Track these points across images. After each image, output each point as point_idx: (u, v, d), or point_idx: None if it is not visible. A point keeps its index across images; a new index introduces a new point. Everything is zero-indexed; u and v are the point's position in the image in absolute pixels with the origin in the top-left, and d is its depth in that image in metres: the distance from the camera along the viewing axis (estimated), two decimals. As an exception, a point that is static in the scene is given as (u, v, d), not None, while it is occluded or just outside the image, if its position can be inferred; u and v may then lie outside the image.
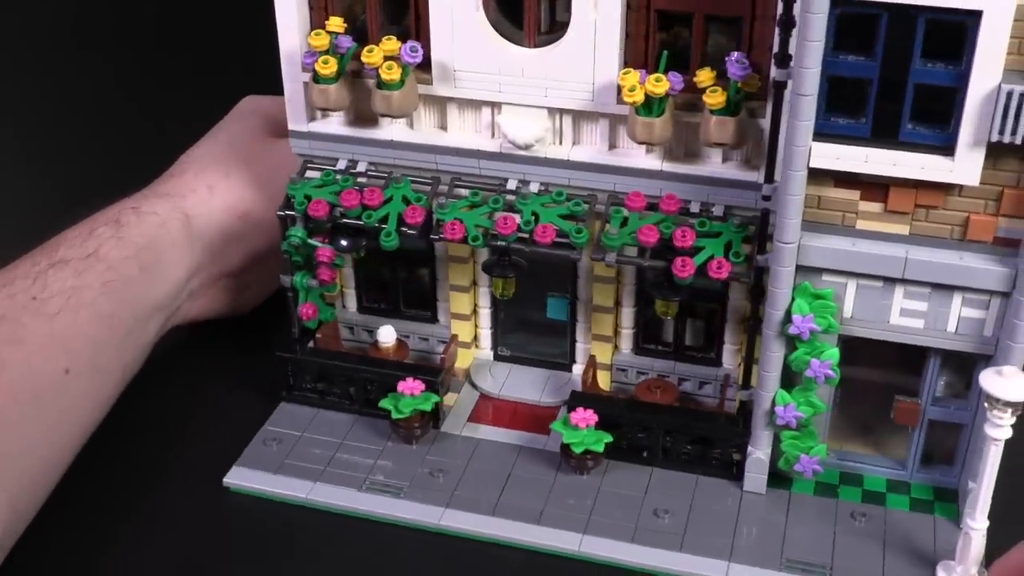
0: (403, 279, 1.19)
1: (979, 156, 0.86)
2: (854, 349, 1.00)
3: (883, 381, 1.04)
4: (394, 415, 1.08)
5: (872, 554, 0.98)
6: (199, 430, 1.14)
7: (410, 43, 1.01)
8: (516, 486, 1.06)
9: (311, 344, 1.17)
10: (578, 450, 1.04)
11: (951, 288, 0.94)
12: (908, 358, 1.01)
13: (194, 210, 1.16)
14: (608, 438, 1.05)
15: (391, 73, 1.00)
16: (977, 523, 0.92)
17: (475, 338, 1.19)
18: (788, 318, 0.96)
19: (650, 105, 0.96)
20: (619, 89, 0.99)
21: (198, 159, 1.22)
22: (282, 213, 1.08)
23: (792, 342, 0.98)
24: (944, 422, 1.02)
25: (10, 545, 0.93)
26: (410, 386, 1.08)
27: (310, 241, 1.07)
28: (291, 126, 1.10)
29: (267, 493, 1.06)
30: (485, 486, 1.05)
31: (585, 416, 1.04)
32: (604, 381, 1.15)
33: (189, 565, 1.00)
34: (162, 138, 1.27)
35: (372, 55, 1.00)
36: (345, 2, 1.06)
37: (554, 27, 1.03)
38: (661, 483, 1.06)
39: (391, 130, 1.08)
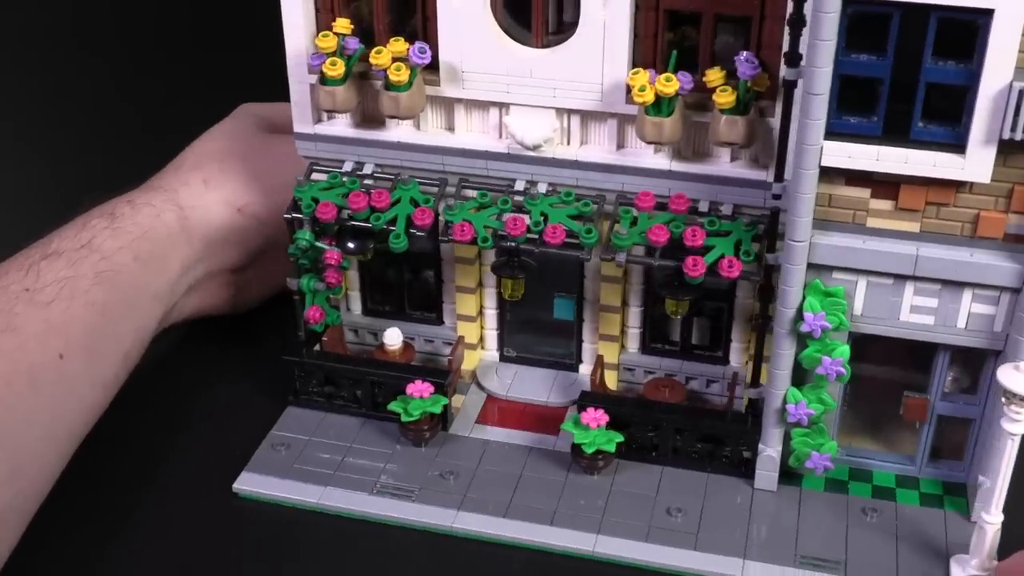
0: (408, 281, 1.19)
1: (990, 153, 0.87)
2: (862, 346, 1.00)
3: (891, 377, 1.04)
4: (404, 418, 1.08)
5: (885, 549, 0.99)
6: (205, 433, 1.14)
7: (418, 44, 1.00)
8: (527, 487, 1.06)
9: (317, 347, 1.16)
10: (589, 450, 1.04)
11: (961, 285, 0.94)
12: (916, 354, 1.02)
13: (189, 202, 1.16)
14: (619, 438, 1.05)
15: (399, 75, 1.00)
16: (992, 517, 0.93)
17: (481, 339, 1.19)
18: (799, 316, 0.96)
19: (660, 105, 0.97)
20: (628, 89, 0.99)
21: (194, 154, 1.23)
22: (289, 216, 1.08)
23: (803, 340, 0.98)
24: (952, 417, 1.03)
25: (18, 526, 0.93)
26: (419, 388, 1.08)
27: (317, 244, 1.07)
28: (296, 128, 1.09)
29: (277, 498, 1.05)
30: (496, 488, 1.05)
31: (596, 416, 1.05)
32: (611, 380, 1.15)
33: (199, 571, 0.99)
34: (162, 138, 1.27)
35: (380, 56, 1.00)
36: (351, 4, 1.05)
37: (562, 28, 1.03)
38: (672, 482, 1.06)
39: (398, 131, 1.07)
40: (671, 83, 0.95)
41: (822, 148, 0.89)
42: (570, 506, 1.03)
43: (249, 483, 1.06)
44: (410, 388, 1.08)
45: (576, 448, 1.06)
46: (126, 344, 1.07)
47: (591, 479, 1.06)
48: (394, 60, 1.00)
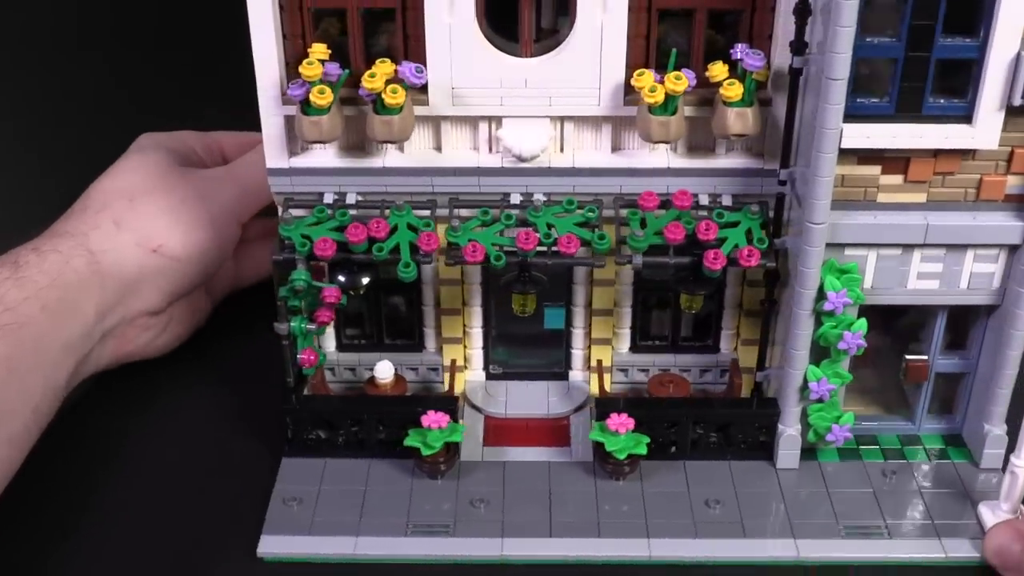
0: (384, 310, 1.14)
1: (998, 121, 0.92)
2: (860, 315, 1.04)
3: (885, 343, 1.09)
4: (424, 451, 1.04)
5: (915, 505, 1.03)
6: (199, 498, 1.05)
7: (411, 65, 0.97)
8: (561, 502, 1.04)
9: (305, 391, 1.10)
10: (622, 456, 1.04)
11: (964, 247, 0.99)
12: (912, 318, 1.07)
13: (100, 246, 1.10)
14: (647, 439, 1.05)
15: (396, 97, 0.96)
16: (1022, 461, 0.98)
17: (466, 360, 1.16)
18: (820, 296, 0.99)
19: (666, 104, 0.97)
20: (626, 91, 0.99)
21: (100, 193, 1.15)
22: (279, 258, 1.01)
23: (817, 318, 1.01)
24: (945, 373, 1.09)
25: None
26: (435, 419, 1.04)
27: (315, 283, 1.01)
28: (270, 164, 1.03)
29: (308, 556, 0.99)
30: (531, 508, 1.03)
31: (622, 421, 1.04)
32: (605, 383, 1.14)
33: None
34: None
35: (375, 80, 0.96)
36: (319, 27, 1.00)
37: (541, 35, 1.02)
38: (697, 475, 1.07)
39: (382, 156, 1.03)
40: (680, 81, 0.95)
41: (842, 131, 0.92)
42: (610, 514, 1.02)
43: (273, 546, 1.00)
44: (425, 420, 1.04)
45: (603, 455, 1.05)
46: (35, 398, 1.00)
47: (619, 484, 1.06)
48: (388, 83, 0.96)
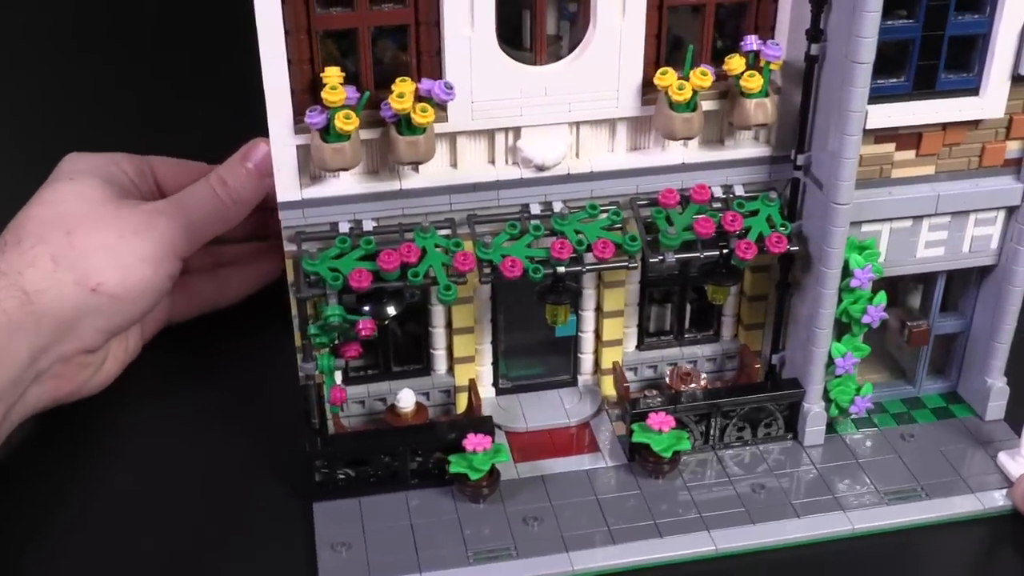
0: (390, 337, 1.10)
1: (1004, 91, 0.97)
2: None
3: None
4: (472, 476, 1.01)
5: (940, 463, 1.08)
6: (235, 555, 0.99)
7: (440, 81, 0.94)
8: (613, 509, 1.03)
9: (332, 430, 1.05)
10: (667, 454, 1.04)
11: (967, 212, 1.04)
12: (908, 286, 1.12)
13: (36, 286, 1.04)
14: (686, 435, 1.05)
15: (426, 116, 0.93)
16: (1044, 410, 1.04)
17: (476, 377, 1.14)
18: (846, 273, 1.02)
19: (689, 100, 0.97)
20: (643, 91, 0.99)
21: (34, 227, 1.08)
22: (305, 295, 0.96)
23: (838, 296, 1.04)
24: (940, 335, 1.14)
25: None
26: (479, 442, 1.02)
27: (350, 317, 0.97)
28: (282, 197, 0.98)
29: (375, 601, 0.95)
30: (585, 518, 1.02)
31: (664, 419, 1.04)
32: (609, 385, 1.14)
33: None
34: (162, 138, 1.21)
35: (404, 100, 0.92)
36: (323, 51, 0.96)
37: (548, 42, 1.00)
38: (731, 463, 1.08)
39: (400, 179, 0.99)
40: (706, 77, 0.96)
41: (867, 113, 0.95)
42: (665, 513, 1.03)
43: (337, 596, 0.95)
44: (468, 444, 1.02)
45: (642, 455, 1.05)
46: None
47: (660, 483, 1.06)
48: (417, 101, 0.93)
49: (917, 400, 1.16)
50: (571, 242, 0.99)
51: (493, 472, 1.03)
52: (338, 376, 1.10)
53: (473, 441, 1.02)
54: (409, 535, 1.00)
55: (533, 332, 1.12)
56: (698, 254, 1.02)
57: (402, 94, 0.92)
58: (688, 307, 1.15)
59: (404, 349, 1.11)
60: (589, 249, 0.99)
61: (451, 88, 0.94)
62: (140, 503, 1.04)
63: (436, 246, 0.98)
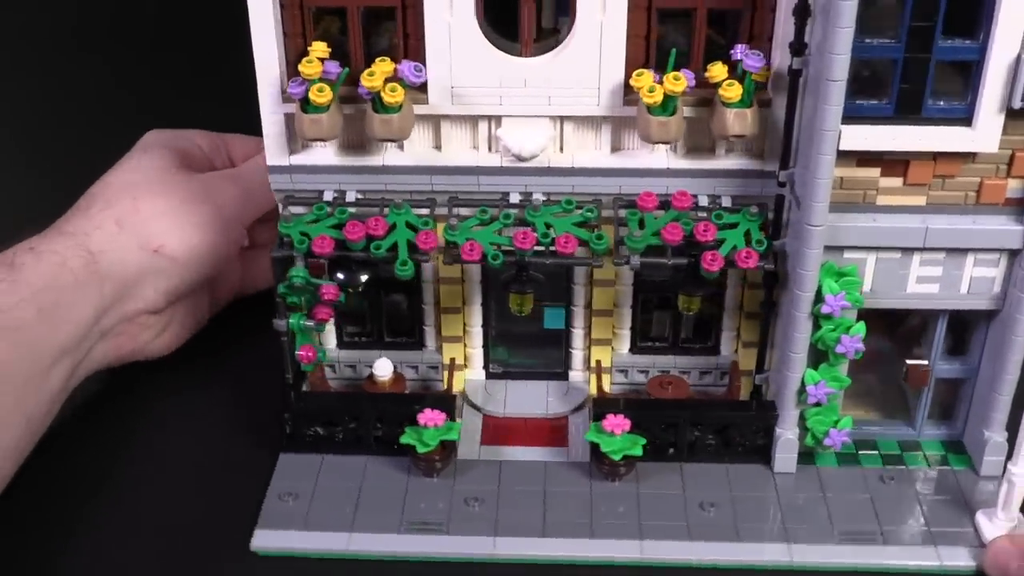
0: (385, 308, 1.14)
1: (999, 123, 0.91)
2: (864, 319, 1.03)
3: (884, 348, 1.08)
4: (420, 449, 1.04)
5: (912, 512, 1.02)
6: (194, 494, 1.06)
7: (411, 63, 0.97)
8: (556, 502, 1.04)
9: (305, 388, 1.10)
10: (617, 457, 1.03)
11: (964, 251, 0.99)
12: (911, 322, 1.06)
13: (101, 246, 1.10)
14: (643, 441, 1.04)
15: (395, 95, 0.96)
16: (1020, 469, 0.97)
17: (466, 359, 1.16)
18: (818, 298, 0.98)
19: (665, 104, 0.97)
20: (626, 91, 0.99)
21: (104, 192, 1.15)
22: (278, 255, 1.02)
23: (815, 321, 1.00)
24: (944, 379, 1.08)
25: None
26: (431, 417, 1.04)
27: (313, 280, 1.02)
28: (270, 161, 1.03)
29: (301, 551, 0.99)
30: (525, 508, 1.03)
31: (619, 422, 1.04)
32: (604, 384, 1.14)
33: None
34: None
35: (374, 78, 0.96)
36: (319, 25, 1.01)
37: (541, 35, 1.02)
38: (694, 477, 1.06)
39: (383, 155, 1.03)
40: (679, 81, 0.95)
41: (840, 133, 0.91)
42: (604, 515, 1.02)
43: (266, 540, 1.00)
44: (421, 418, 1.04)
45: (599, 456, 1.05)
46: (28, 406, 1.00)
47: (615, 486, 1.05)
48: (387, 81, 0.96)
49: (915, 444, 1.10)
50: (538, 234, 1.00)
51: (447, 448, 1.06)
52: (332, 339, 1.15)
53: (426, 416, 1.04)
54: (355, 496, 1.04)
55: (526, 321, 1.14)
56: (665, 260, 1.01)
57: (372, 72, 0.96)
58: (686, 316, 1.13)
59: (398, 322, 1.15)
60: (553, 243, 1.00)
61: (420, 70, 0.97)
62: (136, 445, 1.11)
63: (407, 223, 1.02)
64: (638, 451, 1.04)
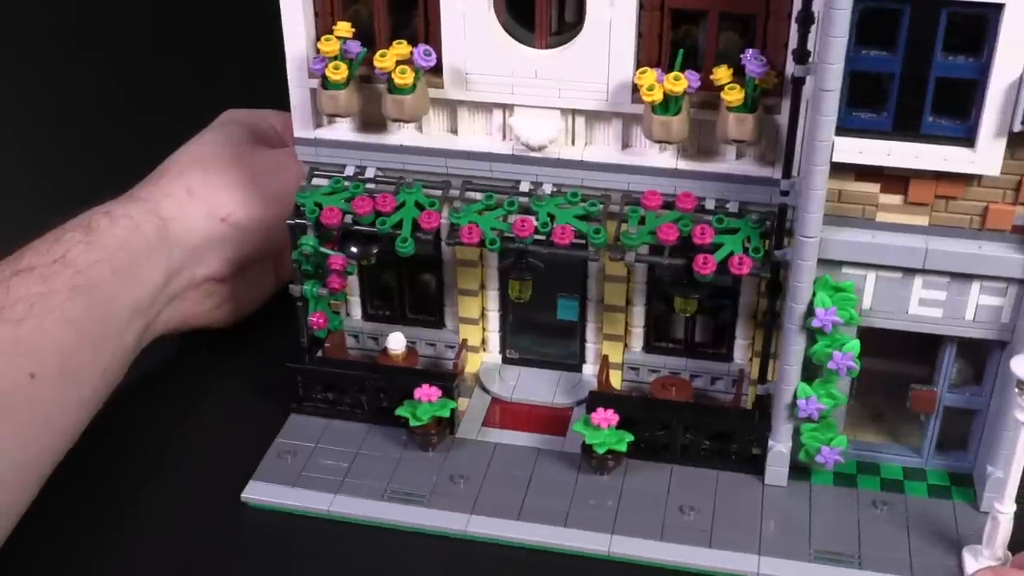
0: (409, 285, 1.18)
1: (1000, 146, 0.88)
2: (867, 339, 1.01)
3: (896, 370, 1.05)
4: (412, 423, 1.07)
5: (897, 541, 1.00)
6: (207, 443, 1.12)
7: (423, 47, 1.00)
8: (538, 489, 1.05)
9: (319, 353, 1.15)
10: (601, 451, 1.04)
11: (969, 277, 0.95)
12: (922, 347, 1.03)
13: (171, 213, 1.15)
14: (630, 437, 1.05)
15: (404, 77, 0.99)
16: (1005, 507, 0.94)
17: (483, 342, 1.19)
18: (810, 311, 0.97)
19: (667, 104, 0.97)
20: (634, 88, 0.99)
21: (177, 163, 1.21)
22: (292, 222, 1.07)
23: (812, 335, 0.99)
24: (957, 408, 1.04)
25: None
26: (427, 393, 1.07)
27: (322, 249, 1.06)
28: (297, 133, 1.08)
29: (286, 507, 1.04)
30: (507, 490, 1.05)
31: (606, 416, 1.04)
32: (615, 380, 1.15)
33: (209, 582, 0.99)
34: (162, 138, 1.26)
35: (385, 60, 0.99)
36: (350, 7, 1.05)
37: (563, 28, 1.03)
38: (683, 480, 1.06)
39: (400, 135, 1.07)
40: (679, 82, 0.95)
41: (833, 144, 0.89)
42: (582, 507, 1.03)
43: (257, 492, 1.05)
44: (418, 392, 1.08)
45: (587, 449, 1.06)
46: (104, 361, 1.05)
47: (601, 479, 1.06)
48: (398, 63, 1.00)
49: (920, 472, 1.07)
50: (538, 223, 1.02)
51: (442, 424, 1.09)
52: (358, 310, 1.20)
53: (422, 391, 1.08)
54: (348, 462, 1.08)
55: (542, 311, 1.16)
56: (661, 259, 1.01)
57: (384, 54, 1.00)
58: (701, 320, 1.13)
59: (422, 300, 1.19)
60: (552, 233, 1.02)
61: (430, 54, 0.99)
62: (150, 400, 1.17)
63: (416, 203, 1.05)
64: (623, 447, 1.04)
